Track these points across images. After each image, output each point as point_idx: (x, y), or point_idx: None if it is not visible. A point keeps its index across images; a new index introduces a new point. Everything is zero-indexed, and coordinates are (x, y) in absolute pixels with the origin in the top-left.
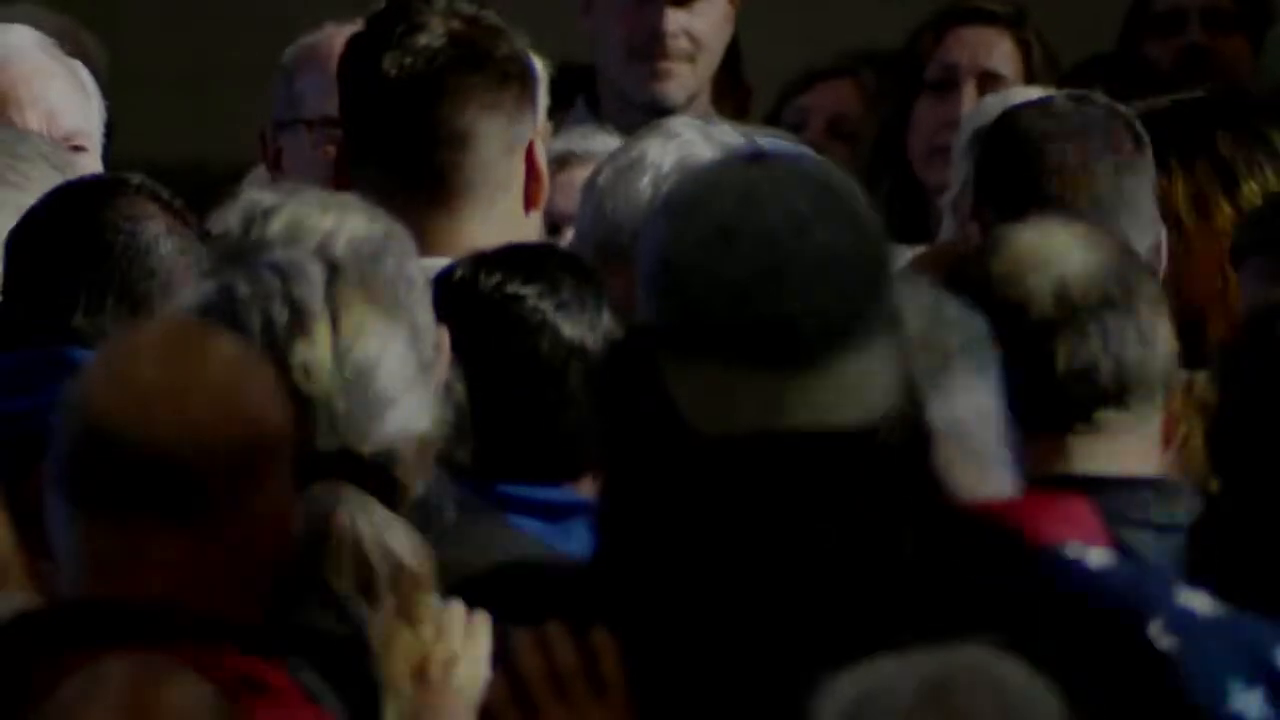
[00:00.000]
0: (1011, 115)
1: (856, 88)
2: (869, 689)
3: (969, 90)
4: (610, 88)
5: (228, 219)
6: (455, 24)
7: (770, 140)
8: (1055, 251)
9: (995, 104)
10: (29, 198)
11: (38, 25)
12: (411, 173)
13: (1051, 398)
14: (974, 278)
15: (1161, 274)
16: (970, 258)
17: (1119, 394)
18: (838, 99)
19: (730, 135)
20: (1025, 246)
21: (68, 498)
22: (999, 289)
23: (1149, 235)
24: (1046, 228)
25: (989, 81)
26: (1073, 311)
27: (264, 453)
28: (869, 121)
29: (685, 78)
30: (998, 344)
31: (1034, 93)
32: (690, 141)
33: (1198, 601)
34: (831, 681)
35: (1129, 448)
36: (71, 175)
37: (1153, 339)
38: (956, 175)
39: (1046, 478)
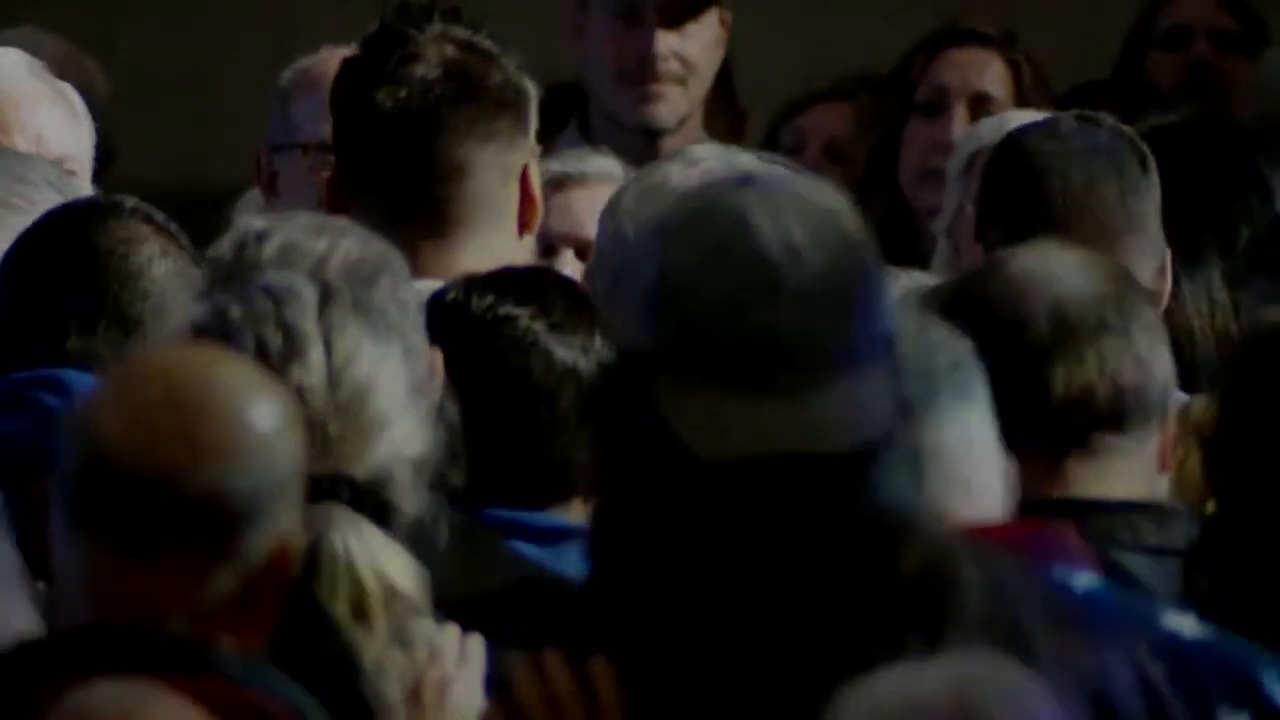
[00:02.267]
0: (1017, 137)
1: (853, 111)
2: (893, 702)
3: (960, 112)
4: (601, 110)
5: (222, 244)
6: (449, 51)
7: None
8: (1052, 274)
9: (990, 127)
10: (32, 221)
11: (37, 49)
12: (408, 203)
13: (1047, 421)
14: (971, 300)
15: (1167, 295)
16: (968, 280)
17: (1115, 418)
18: (834, 122)
19: (752, 163)
20: (1022, 270)
21: (70, 521)
22: (996, 311)
23: (1154, 257)
24: (1044, 252)
25: (980, 103)
26: (1069, 335)
27: (274, 480)
28: (864, 145)
29: (676, 100)
30: (994, 366)
31: (1027, 115)
32: (713, 169)
33: (1184, 625)
34: (847, 693)
35: (1124, 472)
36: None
37: (1149, 363)
38: (949, 200)
39: (1039, 501)
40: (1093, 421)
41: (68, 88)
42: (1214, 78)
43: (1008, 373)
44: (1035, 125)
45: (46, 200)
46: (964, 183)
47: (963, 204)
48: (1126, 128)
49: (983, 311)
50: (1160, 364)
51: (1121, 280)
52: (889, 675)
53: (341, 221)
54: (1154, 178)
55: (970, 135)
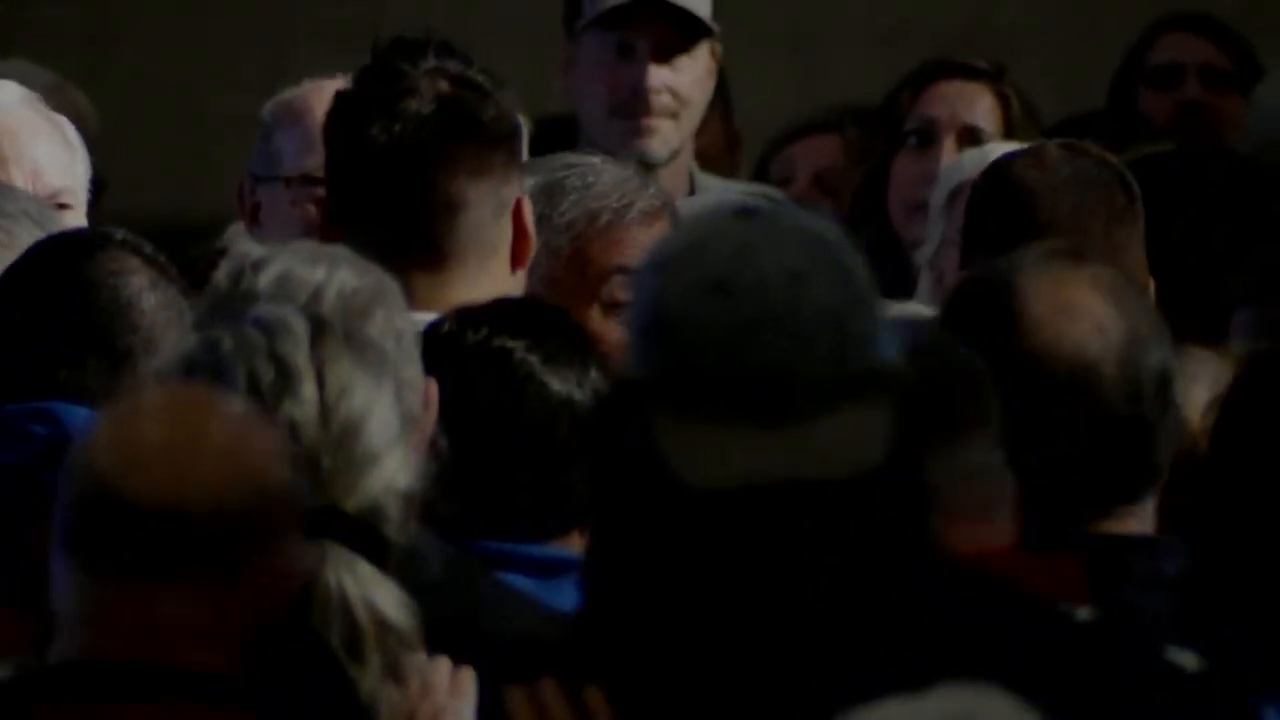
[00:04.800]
0: (1003, 166)
1: (843, 144)
2: None
3: (949, 145)
4: (592, 143)
5: (219, 273)
6: (443, 85)
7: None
8: (1076, 337)
9: (973, 159)
10: (13, 255)
11: (28, 81)
12: (400, 237)
13: (1062, 494)
14: (993, 342)
15: None
16: (983, 313)
17: (1131, 492)
18: (824, 154)
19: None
20: (1046, 322)
21: (70, 554)
22: (1019, 365)
23: None
24: (1071, 298)
25: (969, 136)
26: (1090, 405)
27: (268, 513)
28: (853, 177)
29: (668, 134)
30: (1013, 411)
31: (1012, 147)
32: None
33: (1185, 658)
34: None
35: (1132, 520)
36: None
37: (1164, 431)
38: (932, 232)
39: (1043, 532)
40: (1107, 497)
41: (63, 120)
42: (1206, 117)
43: (1027, 432)
44: (1021, 153)
45: (25, 233)
46: (947, 215)
47: (946, 236)
48: (1113, 157)
49: (1006, 359)
50: (1168, 427)
51: (1139, 334)
52: (885, 708)
53: (338, 250)
54: (1139, 207)
55: (953, 168)
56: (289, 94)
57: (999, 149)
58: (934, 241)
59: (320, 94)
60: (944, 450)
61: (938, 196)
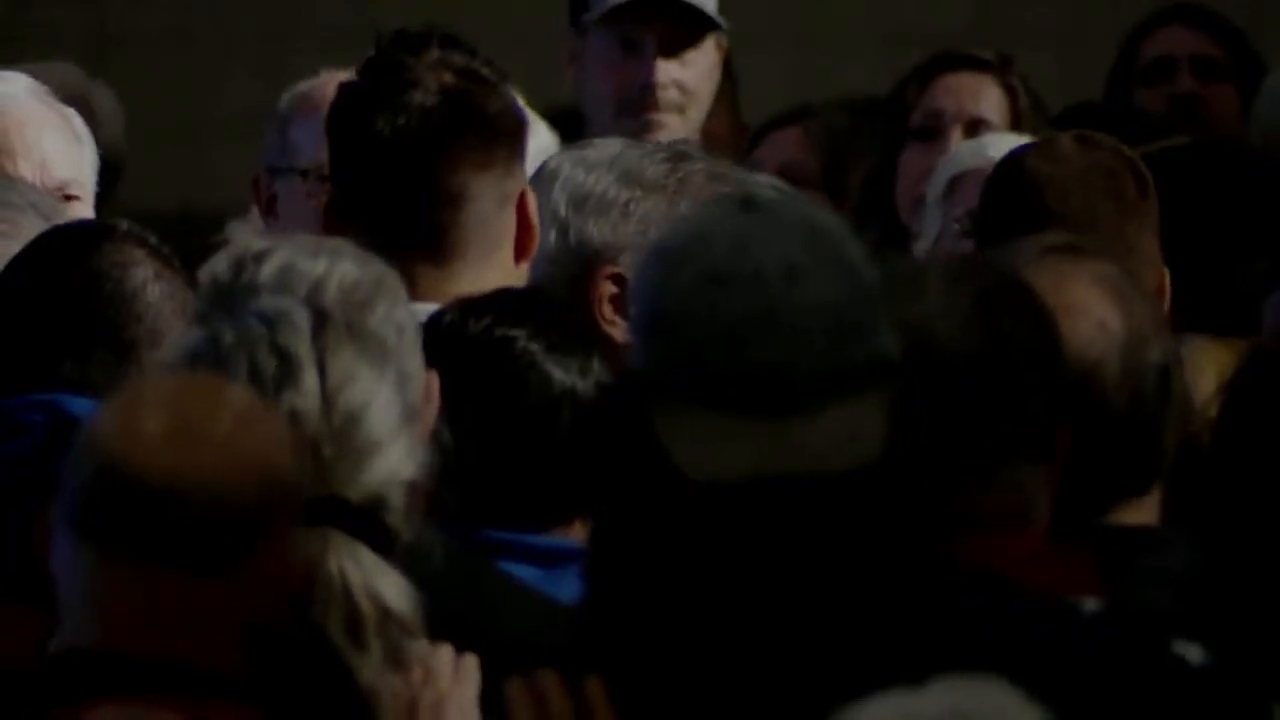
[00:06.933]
0: (1016, 158)
1: (803, 136)
2: None
3: (956, 137)
4: (599, 136)
5: (218, 264)
6: (447, 78)
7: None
8: (1083, 341)
9: (970, 151)
10: (18, 246)
11: (41, 73)
12: (405, 229)
13: (1068, 488)
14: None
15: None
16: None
17: (1136, 486)
18: (785, 148)
19: (610, 148)
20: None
21: (76, 534)
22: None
23: (1150, 280)
24: (1073, 297)
25: (976, 128)
26: (1102, 408)
27: (271, 502)
28: (815, 168)
29: (675, 129)
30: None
31: (1009, 138)
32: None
33: (1191, 652)
34: (842, 717)
35: (1137, 511)
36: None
37: (1167, 427)
38: (929, 225)
39: (1051, 524)
40: (1111, 492)
41: (71, 112)
42: (1199, 108)
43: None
44: (1034, 145)
45: (31, 224)
46: (944, 207)
47: (944, 228)
48: (1127, 149)
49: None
50: (1171, 419)
51: (1140, 320)
52: (884, 699)
53: (340, 243)
54: (1152, 199)
55: (950, 160)
56: (305, 85)
57: (996, 140)
58: (931, 234)
59: (336, 86)
60: (994, 468)
61: (935, 188)
